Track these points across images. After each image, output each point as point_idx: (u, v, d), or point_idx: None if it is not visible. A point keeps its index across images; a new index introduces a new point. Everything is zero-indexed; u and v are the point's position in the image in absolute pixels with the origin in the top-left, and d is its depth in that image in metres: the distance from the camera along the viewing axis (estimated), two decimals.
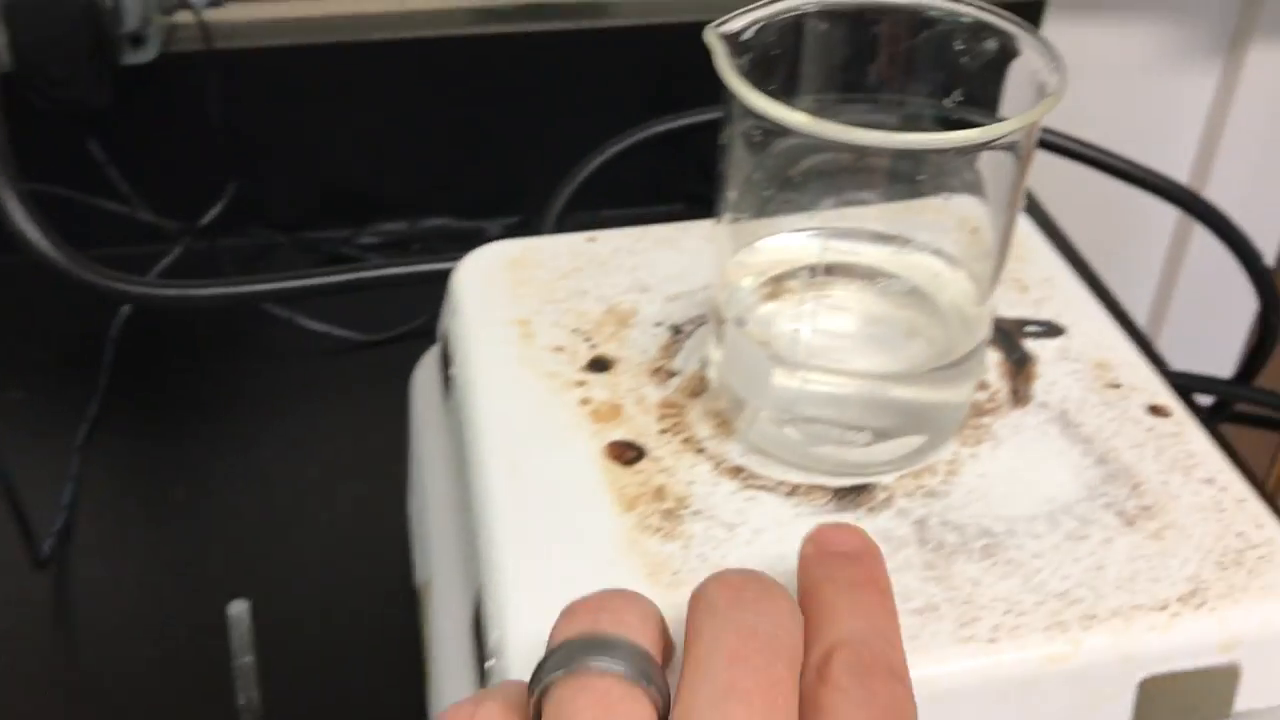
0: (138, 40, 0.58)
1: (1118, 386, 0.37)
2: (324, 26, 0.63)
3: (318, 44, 0.62)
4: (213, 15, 0.60)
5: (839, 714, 0.23)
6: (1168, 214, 0.58)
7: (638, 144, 0.57)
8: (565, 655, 0.24)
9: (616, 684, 0.24)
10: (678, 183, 0.68)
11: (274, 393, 0.59)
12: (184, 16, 0.60)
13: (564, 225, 0.55)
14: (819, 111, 0.34)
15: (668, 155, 0.56)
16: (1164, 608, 0.31)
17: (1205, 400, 0.60)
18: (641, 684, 0.24)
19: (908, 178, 0.32)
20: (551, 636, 0.25)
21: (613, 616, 0.25)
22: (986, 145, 0.30)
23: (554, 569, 0.32)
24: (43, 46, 0.54)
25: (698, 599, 0.26)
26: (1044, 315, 0.40)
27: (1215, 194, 0.77)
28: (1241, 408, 0.60)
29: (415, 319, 0.60)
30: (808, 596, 0.26)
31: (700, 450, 0.35)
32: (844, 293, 0.34)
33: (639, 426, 0.36)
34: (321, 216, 0.67)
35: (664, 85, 0.65)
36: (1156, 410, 0.36)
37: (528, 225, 0.67)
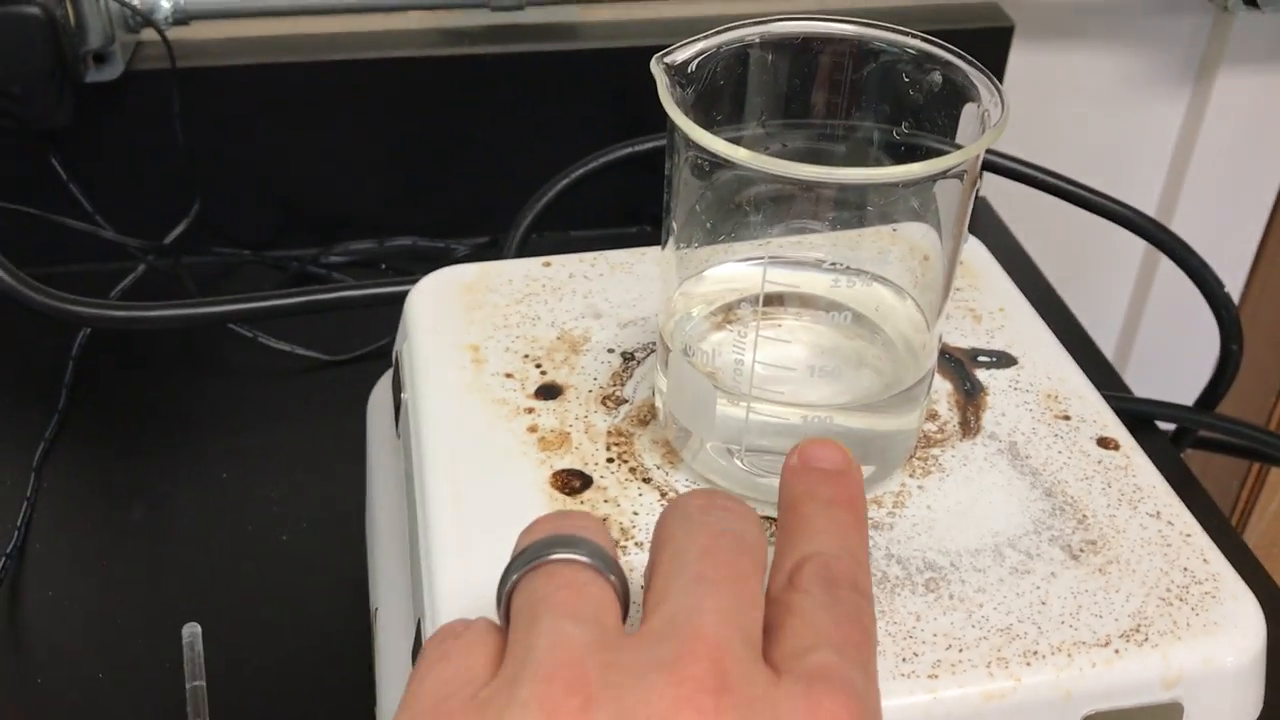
0: (101, 58, 0.58)
1: (1067, 418, 0.37)
2: (290, 46, 0.63)
3: (284, 63, 0.62)
4: (178, 33, 0.60)
5: (804, 612, 0.25)
6: (1136, 241, 0.58)
7: (605, 166, 0.57)
8: (530, 553, 0.26)
9: (582, 570, 0.25)
10: (646, 204, 0.68)
11: (236, 412, 0.59)
12: (149, 34, 0.60)
13: (532, 246, 0.55)
14: (767, 137, 0.34)
15: (637, 176, 0.56)
16: (1107, 644, 0.31)
17: (1170, 426, 0.60)
18: (605, 572, 0.25)
19: (856, 206, 0.32)
20: (515, 547, 0.26)
21: (573, 523, 0.26)
22: (929, 179, 0.30)
23: (492, 602, 0.31)
24: (2, 64, 0.54)
25: (671, 509, 0.27)
26: (997, 345, 0.40)
27: (1183, 221, 0.77)
28: (1206, 434, 0.60)
29: (379, 339, 0.60)
30: (787, 509, 0.28)
31: (647, 480, 0.35)
32: (792, 322, 0.34)
33: (586, 455, 0.35)
34: (288, 235, 0.67)
35: (632, 107, 0.65)
36: (1105, 443, 0.36)
37: (496, 245, 0.67)
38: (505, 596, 0.26)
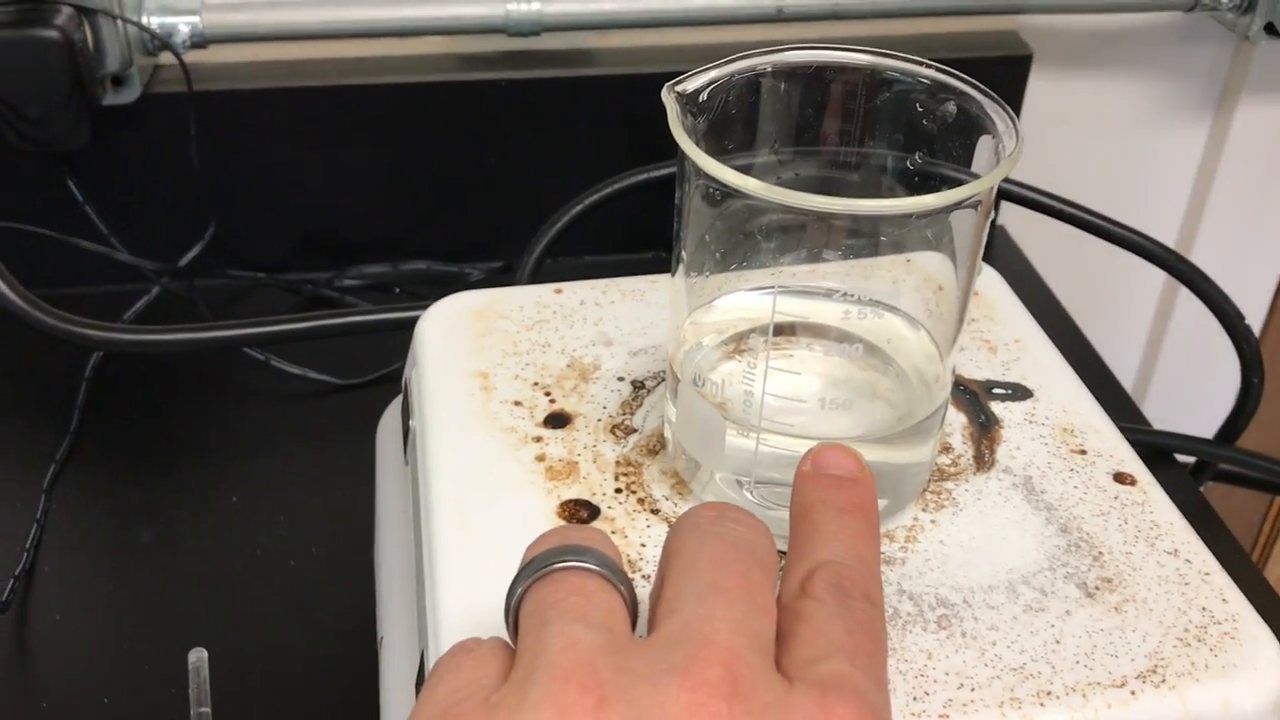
0: (119, 81, 0.58)
1: (1084, 452, 0.36)
2: (306, 70, 0.63)
3: (300, 87, 0.62)
4: (195, 57, 0.60)
5: (816, 620, 0.25)
6: (1156, 271, 0.58)
7: (620, 192, 0.57)
8: (539, 563, 0.25)
9: (590, 577, 0.25)
10: (661, 229, 0.68)
11: (246, 436, 0.58)
12: (166, 58, 0.60)
13: (546, 271, 0.54)
14: (779, 165, 0.33)
15: (652, 202, 0.55)
16: (1123, 685, 0.30)
17: (1190, 459, 0.59)
18: (614, 581, 0.25)
19: (869, 235, 0.32)
20: (522, 560, 0.26)
21: (580, 535, 0.26)
22: (942, 210, 0.30)
23: (498, 635, 0.31)
24: (19, 86, 0.54)
25: (682, 521, 0.27)
26: (1012, 377, 0.39)
27: (1203, 251, 0.77)
28: (1226, 467, 0.59)
29: (392, 362, 0.60)
30: (800, 515, 0.28)
31: (655, 511, 0.34)
32: (804, 353, 0.34)
33: (594, 485, 0.35)
34: (302, 258, 0.67)
35: (648, 133, 0.64)
36: (1122, 478, 0.35)
37: (510, 270, 0.67)
38: (513, 607, 0.26)
